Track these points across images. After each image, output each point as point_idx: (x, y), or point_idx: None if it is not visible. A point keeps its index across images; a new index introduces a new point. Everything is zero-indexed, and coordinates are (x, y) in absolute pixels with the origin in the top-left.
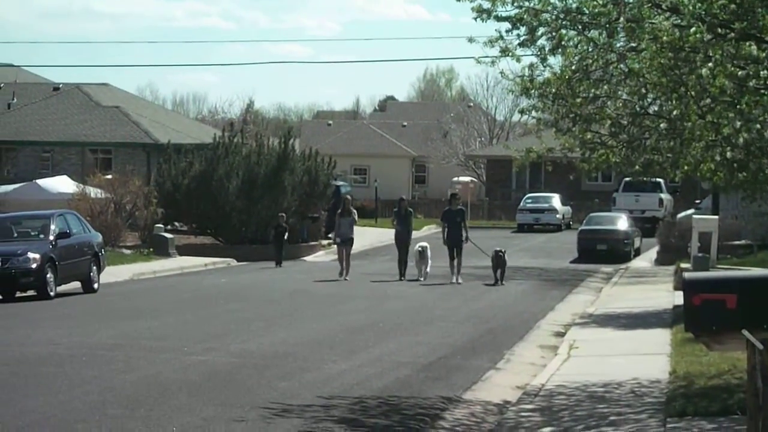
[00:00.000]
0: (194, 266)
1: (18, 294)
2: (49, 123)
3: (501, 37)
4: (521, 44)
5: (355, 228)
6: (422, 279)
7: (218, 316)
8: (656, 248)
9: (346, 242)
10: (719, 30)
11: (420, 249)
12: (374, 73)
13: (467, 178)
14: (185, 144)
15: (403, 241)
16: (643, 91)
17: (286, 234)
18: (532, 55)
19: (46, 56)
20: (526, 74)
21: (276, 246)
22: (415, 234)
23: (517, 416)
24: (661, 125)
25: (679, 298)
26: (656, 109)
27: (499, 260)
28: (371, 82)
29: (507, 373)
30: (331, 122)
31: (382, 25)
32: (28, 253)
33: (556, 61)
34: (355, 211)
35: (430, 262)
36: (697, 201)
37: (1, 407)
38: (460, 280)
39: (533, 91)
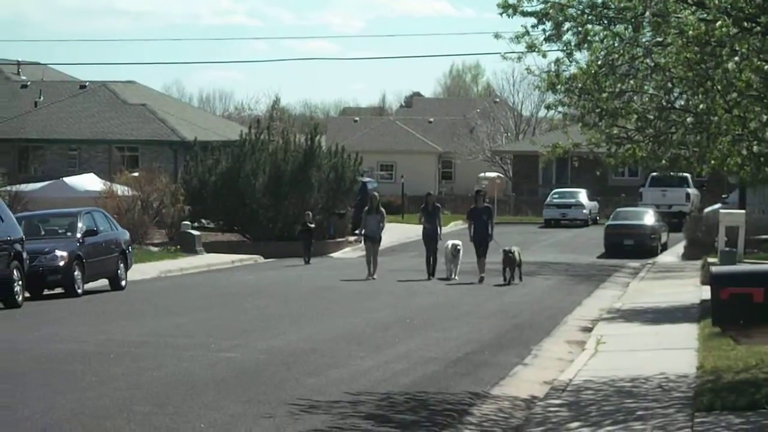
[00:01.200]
0: (221, 263)
1: (45, 292)
2: (75, 121)
3: (527, 33)
4: (547, 39)
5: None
6: (455, 278)
7: (245, 312)
8: (683, 243)
9: (373, 240)
10: (745, 24)
11: (453, 246)
12: (400, 69)
13: (494, 174)
14: (212, 141)
15: (431, 238)
16: (670, 85)
17: (313, 230)
18: (558, 50)
19: (72, 54)
20: (552, 69)
21: (304, 244)
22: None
23: (545, 411)
24: (688, 120)
25: (706, 292)
26: (683, 103)
27: (507, 260)
28: (397, 78)
29: (534, 369)
30: (357, 119)
31: (407, 21)
32: (56, 251)
33: (582, 56)
34: (383, 209)
35: (461, 260)
36: (724, 195)
37: (29, 404)
38: (483, 276)
39: (559, 86)
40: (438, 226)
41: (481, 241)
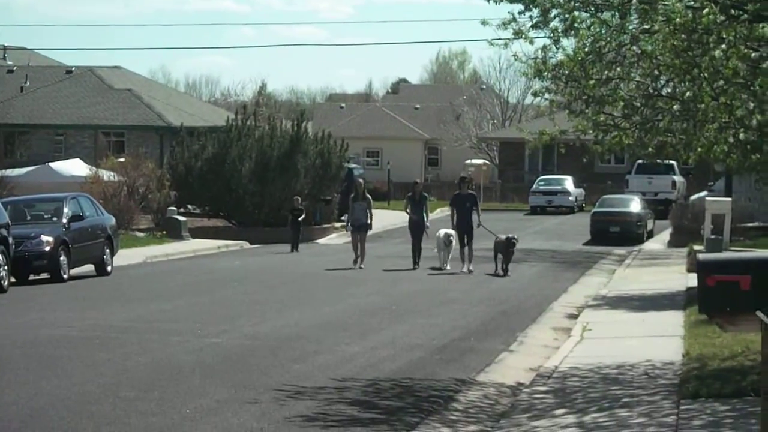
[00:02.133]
0: (207, 249)
1: (31, 277)
2: (61, 106)
3: (514, 19)
4: (534, 26)
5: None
6: (447, 267)
7: (231, 298)
8: (669, 230)
9: (360, 228)
10: (732, 11)
11: (447, 235)
12: (387, 55)
13: (480, 161)
14: (198, 127)
15: (417, 227)
16: (656, 72)
17: (302, 217)
18: (545, 37)
19: (59, 39)
20: (539, 56)
21: (293, 230)
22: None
23: (531, 398)
24: (675, 107)
25: (692, 280)
26: (669, 90)
27: (499, 246)
28: (384, 64)
29: (520, 356)
30: (343, 105)
31: (394, 8)
32: (41, 236)
33: (569, 43)
34: (369, 196)
35: (452, 251)
36: (710, 183)
37: (15, 389)
38: (471, 269)
39: (546, 73)
40: (425, 216)
41: (465, 229)
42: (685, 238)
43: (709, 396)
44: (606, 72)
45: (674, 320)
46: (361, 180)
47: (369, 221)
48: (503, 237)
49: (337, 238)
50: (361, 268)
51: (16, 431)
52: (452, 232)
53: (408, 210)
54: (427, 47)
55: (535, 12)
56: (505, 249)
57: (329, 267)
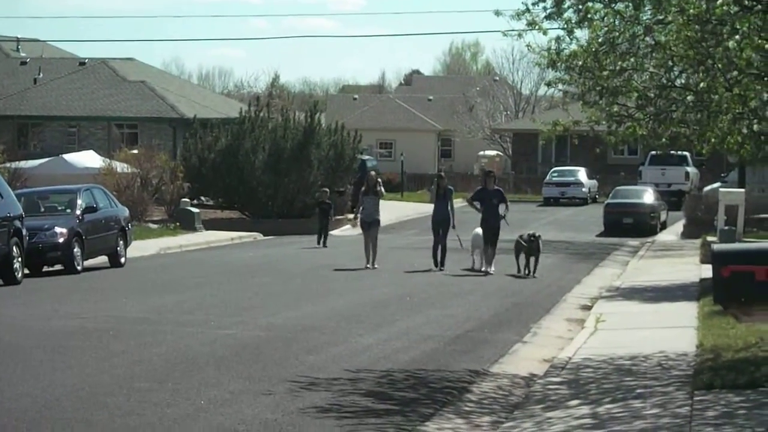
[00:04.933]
0: (221, 241)
1: (45, 268)
2: (75, 98)
3: (527, 10)
4: (548, 17)
5: (381, 204)
6: (491, 269)
7: (245, 290)
8: (682, 221)
9: (371, 224)
10: (746, 2)
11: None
12: (400, 47)
13: (493, 152)
14: (211, 118)
15: (441, 225)
16: (670, 63)
17: (332, 210)
18: (558, 28)
19: (71, 31)
20: (553, 47)
21: (320, 224)
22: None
23: (545, 389)
24: (688, 98)
25: (705, 271)
26: (683, 81)
27: (521, 246)
28: (397, 56)
29: (534, 347)
30: (356, 96)
31: None
32: (55, 227)
33: (582, 34)
34: (381, 189)
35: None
36: (723, 174)
37: (29, 381)
38: (492, 270)
39: (560, 64)
40: (451, 213)
41: (490, 229)
42: (698, 229)
43: (723, 387)
44: (620, 63)
45: (688, 311)
46: (373, 173)
47: (379, 216)
48: (525, 235)
49: (350, 229)
50: (375, 267)
51: (31, 422)
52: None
53: (432, 199)
54: (440, 38)
55: (549, 2)
56: (532, 249)
57: (343, 258)
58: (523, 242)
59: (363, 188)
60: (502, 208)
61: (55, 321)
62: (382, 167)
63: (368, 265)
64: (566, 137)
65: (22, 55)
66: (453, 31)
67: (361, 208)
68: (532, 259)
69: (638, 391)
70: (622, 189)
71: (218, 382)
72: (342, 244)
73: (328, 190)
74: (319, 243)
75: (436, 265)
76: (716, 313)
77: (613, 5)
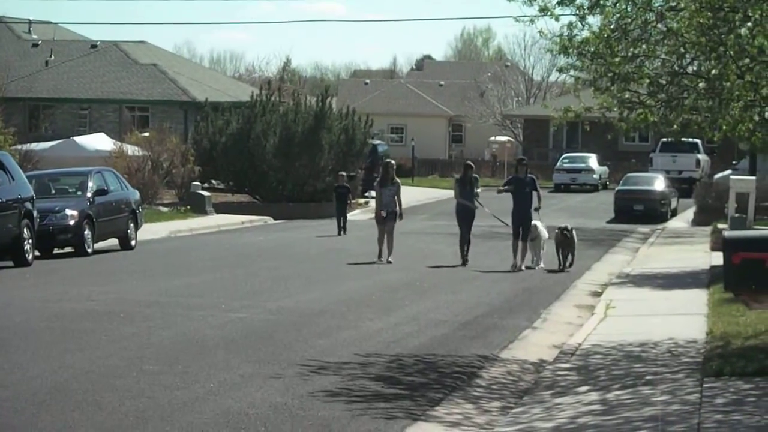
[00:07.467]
0: (231, 224)
1: (56, 251)
2: (86, 80)
3: None
4: (560, 3)
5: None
6: (542, 265)
7: (255, 273)
8: (693, 209)
9: (388, 217)
10: None
11: (534, 227)
12: (411, 32)
13: (504, 138)
14: (222, 102)
15: (467, 216)
16: (682, 50)
17: (350, 195)
18: (570, 14)
19: (83, 13)
20: (565, 33)
21: (338, 210)
22: (446, 194)
23: (554, 375)
24: (700, 85)
25: (715, 258)
26: (695, 68)
27: (564, 240)
28: (408, 41)
29: (543, 333)
30: (368, 81)
31: None
32: (66, 209)
33: (594, 20)
34: (398, 180)
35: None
36: (734, 162)
37: (39, 363)
38: (524, 266)
39: (572, 50)
40: (475, 202)
41: (523, 220)
42: (709, 216)
43: (733, 374)
44: (631, 49)
45: (698, 298)
46: (391, 161)
47: (399, 209)
48: (558, 229)
49: (361, 214)
50: (389, 262)
51: (41, 404)
52: (539, 223)
53: (457, 194)
54: (452, 24)
55: None
56: (566, 242)
57: (353, 243)
58: (563, 236)
59: (378, 178)
60: (536, 200)
61: (65, 303)
62: (393, 152)
63: (381, 259)
64: (577, 123)
65: (34, 37)
66: (465, 16)
67: (378, 200)
68: (564, 252)
69: (648, 377)
70: (633, 176)
71: (228, 366)
72: (352, 229)
73: (345, 173)
74: (339, 232)
75: (463, 260)
76: (726, 301)
77: None
